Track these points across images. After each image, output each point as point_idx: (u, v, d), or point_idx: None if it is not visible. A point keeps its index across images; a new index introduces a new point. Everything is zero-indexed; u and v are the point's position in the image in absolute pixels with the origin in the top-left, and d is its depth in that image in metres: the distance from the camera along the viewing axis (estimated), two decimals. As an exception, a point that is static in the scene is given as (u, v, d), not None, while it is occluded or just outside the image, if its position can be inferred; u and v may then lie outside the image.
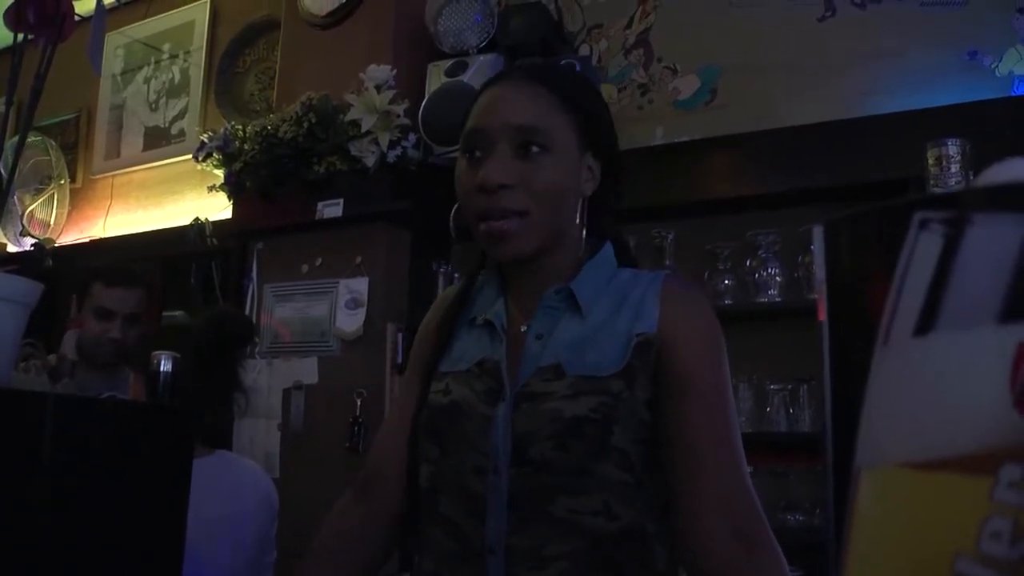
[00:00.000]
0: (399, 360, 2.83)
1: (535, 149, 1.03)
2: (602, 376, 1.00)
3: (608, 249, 1.12)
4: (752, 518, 0.97)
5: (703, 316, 1.06)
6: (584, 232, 1.12)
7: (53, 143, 4.47)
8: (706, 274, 2.63)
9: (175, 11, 4.28)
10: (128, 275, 2.24)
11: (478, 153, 1.05)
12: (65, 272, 3.97)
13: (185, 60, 4.21)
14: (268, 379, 2.92)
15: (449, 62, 2.87)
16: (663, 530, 1.01)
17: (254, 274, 3.13)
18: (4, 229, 4.44)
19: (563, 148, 1.05)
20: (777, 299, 2.52)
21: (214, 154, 3.15)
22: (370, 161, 2.81)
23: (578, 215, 1.10)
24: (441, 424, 1.07)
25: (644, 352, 1.01)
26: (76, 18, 1.08)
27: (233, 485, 1.67)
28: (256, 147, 2.98)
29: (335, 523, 1.21)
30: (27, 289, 0.96)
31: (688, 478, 0.98)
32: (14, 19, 1.03)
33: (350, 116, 2.86)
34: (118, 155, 4.38)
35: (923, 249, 0.29)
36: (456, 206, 1.13)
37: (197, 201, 3.79)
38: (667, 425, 1.00)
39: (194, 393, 1.59)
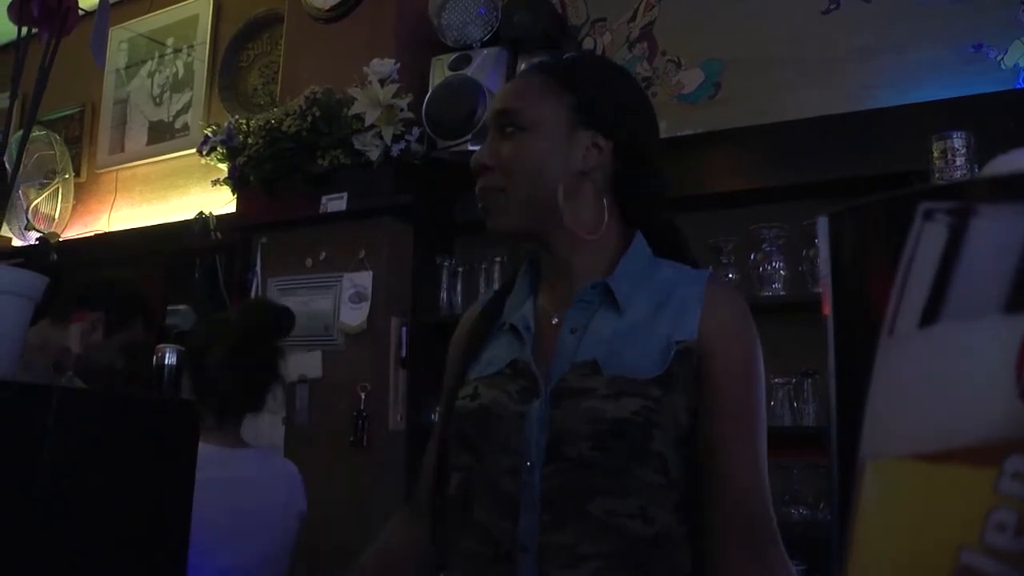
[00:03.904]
0: (403, 354, 2.83)
1: (510, 130, 1.09)
2: (641, 379, 0.98)
3: (639, 240, 1.11)
4: (769, 542, 0.99)
5: (743, 328, 1.04)
6: (612, 218, 1.11)
7: (57, 137, 4.48)
8: (710, 268, 2.62)
9: (178, 5, 4.28)
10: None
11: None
12: (70, 266, 3.98)
13: (189, 54, 4.21)
14: (272, 373, 2.92)
15: (453, 56, 2.87)
16: (691, 533, 1.01)
17: (258, 268, 3.13)
18: (9, 224, 4.45)
19: (543, 126, 1.08)
20: (781, 293, 2.52)
21: (218, 148, 3.15)
22: (374, 155, 2.81)
23: (596, 197, 1.10)
24: (470, 430, 1.06)
25: (685, 360, 1.00)
26: (80, 12, 1.08)
27: (269, 480, 1.69)
28: (260, 141, 2.98)
29: (384, 541, 1.24)
30: (32, 283, 0.96)
31: (711, 495, 0.99)
32: (18, 13, 1.03)
33: (354, 110, 2.85)
34: (122, 149, 4.38)
35: (928, 240, 0.29)
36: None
37: (201, 195, 3.79)
38: (700, 434, 1.01)
39: (231, 385, 1.60)
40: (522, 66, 2.77)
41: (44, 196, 4.42)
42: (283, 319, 1.79)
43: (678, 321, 1.02)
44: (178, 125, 4.19)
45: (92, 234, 4.29)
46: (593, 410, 0.97)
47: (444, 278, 2.99)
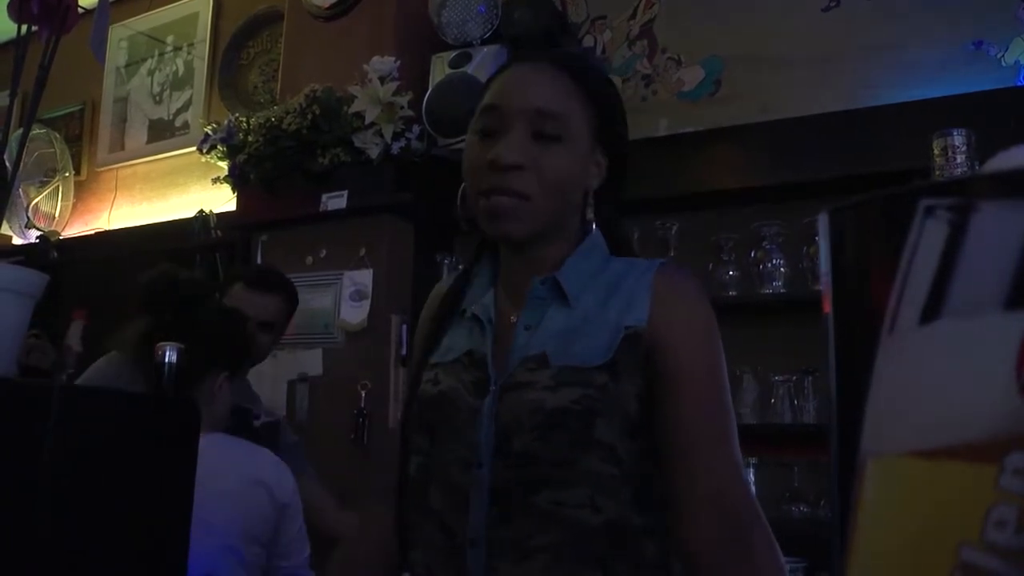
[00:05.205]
0: (403, 352, 2.83)
1: (550, 136, 1.02)
2: (586, 367, 0.98)
3: (596, 237, 1.10)
4: (746, 512, 0.96)
5: (696, 307, 1.03)
6: (583, 225, 1.10)
7: (57, 136, 4.48)
8: (710, 266, 2.62)
9: (178, 3, 4.28)
10: (268, 280, 2.18)
11: (492, 131, 1.04)
12: (69, 264, 3.98)
13: (189, 52, 4.21)
14: (272, 371, 2.92)
15: (453, 53, 2.87)
16: (653, 523, 0.99)
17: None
18: (9, 222, 4.45)
19: (577, 138, 1.04)
20: (782, 290, 2.52)
21: (218, 146, 3.16)
22: (374, 153, 2.81)
23: (581, 208, 1.09)
24: (430, 415, 1.06)
25: (632, 345, 0.99)
26: (79, 10, 1.08)
27: (216, 467, 1.57)
28: (260, 139, 2.98)
29: (366, 526, 1.26)
30: (33, 281, 0.97)
31: (683, 475, 0.97)
32: (17, 11, 1.03)
33: (354, 108, 2.85)
34: (122, 147, 4.38)
35: (928, 236, 0.29)
36: (462, 188, 1.12)
37: (201, 193, 3.79)
38: (661, 420, 0.99)
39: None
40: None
41: (44, 194, 4.42)
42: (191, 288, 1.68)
43: (628, 308, 1.01)
44: (178, 123, 4.19)
45: (92, 232, 4.30)
46: (534, 402, 0.97)
47: (444, 276, 2.98)
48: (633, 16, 3.06)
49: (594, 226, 1.11)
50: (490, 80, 1.11)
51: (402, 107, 2.81)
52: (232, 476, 1.56)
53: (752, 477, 2.35)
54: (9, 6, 1.04)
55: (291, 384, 2.92)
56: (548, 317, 1.04)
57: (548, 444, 0.96)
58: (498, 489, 0.98)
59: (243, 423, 1.91)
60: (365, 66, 2.90)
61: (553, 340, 1.02)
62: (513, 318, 1.07)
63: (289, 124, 2.90)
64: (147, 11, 4.37)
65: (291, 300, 2.21)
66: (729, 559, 0.93)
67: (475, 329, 1.09)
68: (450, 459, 1.02)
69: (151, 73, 4.36)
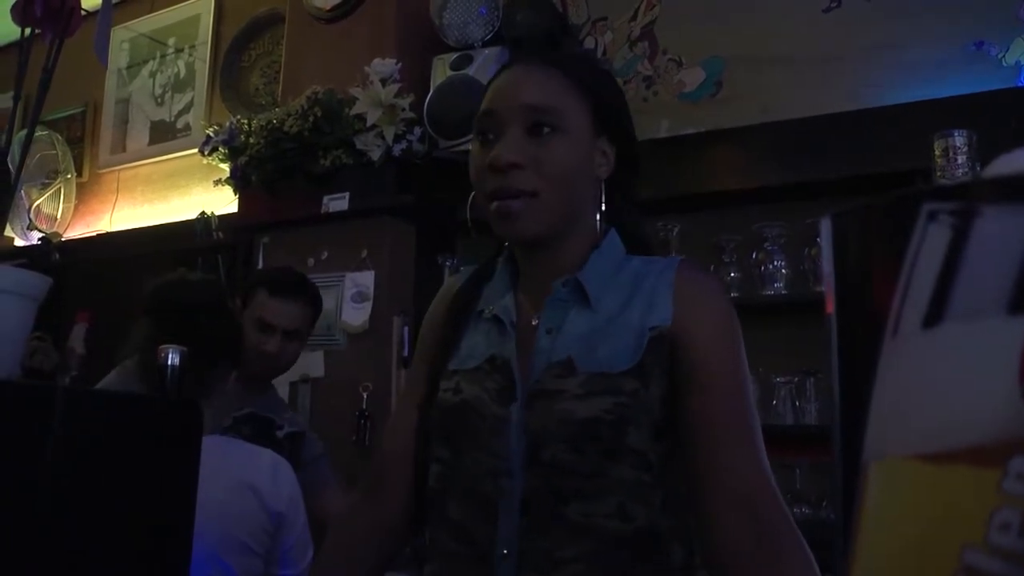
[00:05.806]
0: (405, 353, 2.83)
1: (546, 130, 1.02)
2: (615, 373, 0.97)
3: (613, 236, 1.09)
4: (772, 512, 0.93)
5: (718, 305, 1.03)
6: (600, 221, 1.09)
7: (59, 137, 4.49)
8: (712, 267, 2.62)
9: (180, 5, 4.29)
10: (291, 285, 2.13)
11: (490, 135, 1.04)
12: (72, 266, 3.98)
13: (190, 54, 4.22)
14: (274, 373, 2.92)
15: (454, 55, 2.87)
16: (681, 525, 0.99)
17: (260, 268, 3.13)
18: (11, 224, 4.45)
19: (575, 129, 1.03)
20: (783, 292, 2.52)
21: (220, 148, 3.16)
22: (375, 155, 2.82)
23: (594, 201, 1.08)
24: (452, 425, 1.04)
25: (658, 347, 0.98)
26: (82, 12, 1.08)
27: (205, 471, 1.50)
28: (262, 141, 2.98)
29: (345, 523, 1.21)
30: (35, 283, 0.97)
31: (706, 476, 0.95)
32: (21, 13, 1.04)
33: (355, 110, 2.86)
34: (124, 149, 4.39)
35: (931, 241, 0.29)
36: (472, 195, 1.11)
37: (203, 195, 3.80)
38: (684, 419, 0.98)
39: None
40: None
41: (46, 196, 4.42)
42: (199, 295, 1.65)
43: (650, 308, 1.00)
44: (180, 125, 4.19)
45: (94, 234, 4.30)
46: (563, 411, 0.96)
47: (446, 277, 2.99)
48: (634, 17, 3.06)
49: (610, 225, 1.10)
50: (486, 86, 1.12)
51: (403, 109, 2.82)
52: (221, 480, 1.48)
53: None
54: (13, 9, 1.04)
55: (293, 385, 2.92)
56: (570, 320, 1.03)
57: (580, 455, 0.95)
58: (529, 500, 0.96)
59: (266, 433, 1.90)
60: (366, 68, 2.91)
61: (577, 344, 1.00)
62: (533, 321, 1.06)
63: (291, 126, 2.90)
64: (149, 13, 4.37)
65: (314, 303, 2.17)
66: (753, 562, 0.91)
67: (493, 331, 1.07)
68: (475, 469, 1.00)
69: (153, 75, 4.37)
